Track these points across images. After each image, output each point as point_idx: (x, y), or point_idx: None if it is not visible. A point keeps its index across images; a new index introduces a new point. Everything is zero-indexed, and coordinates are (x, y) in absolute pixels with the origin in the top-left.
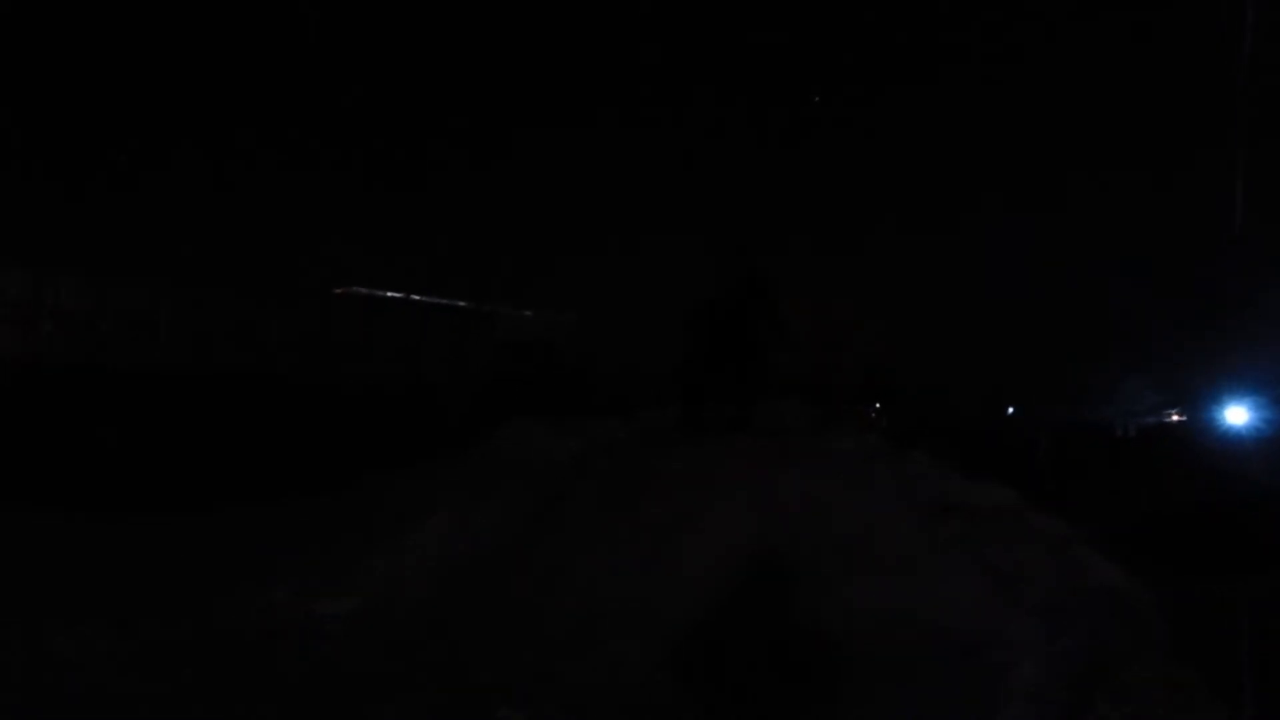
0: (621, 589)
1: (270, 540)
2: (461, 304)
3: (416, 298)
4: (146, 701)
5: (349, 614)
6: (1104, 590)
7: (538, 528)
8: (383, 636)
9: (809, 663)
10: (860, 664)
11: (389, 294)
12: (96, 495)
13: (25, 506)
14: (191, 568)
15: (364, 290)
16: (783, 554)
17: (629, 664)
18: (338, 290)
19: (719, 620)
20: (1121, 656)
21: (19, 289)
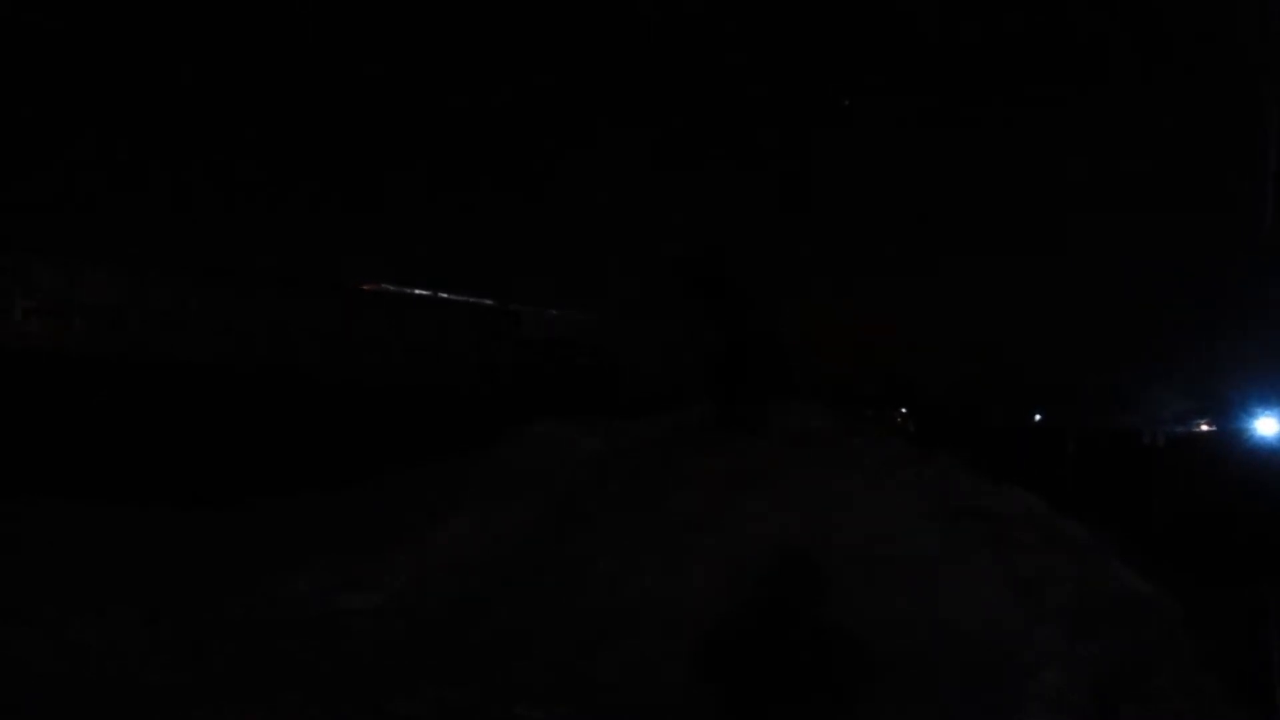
0: (643, 588)
1: (295, 534)
2: (488, 302)
3: (444, 295)
4: (172, 691)
5: (373, 609)
6: (1128, 597)
7: (561, 527)
8: (405, 632)
9: (830, 665)
10: (882, 667)
11: (416, 291)
12: (123, 487)
13: (54, 497)
14: (217, 560)
15: (392, 287)
16: (805, 556)
17: (649, 663)
18: (365, 286)
19: (740, 620)
20: (1146, 664)
21: (50, 282)
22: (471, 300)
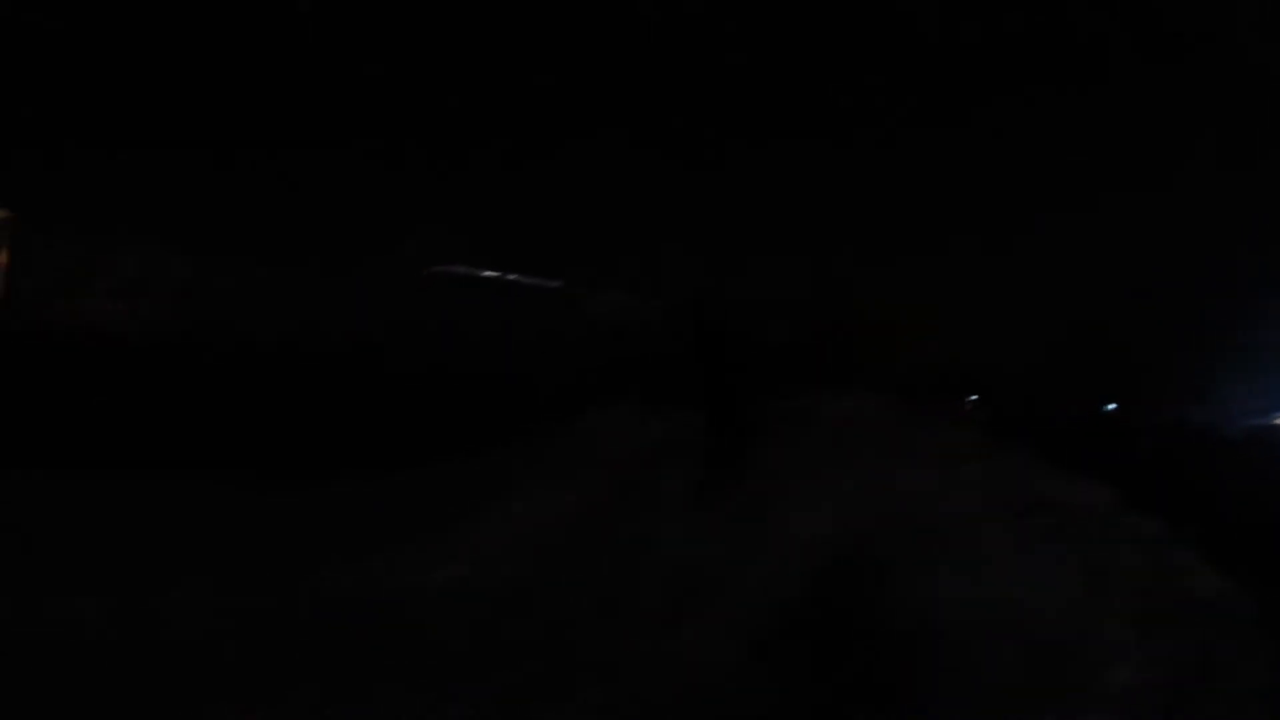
0: (706, 573)
1: (365, 514)
2: (554, 284)
3: (512, 277)
4: (240, 664)
5: (440, 588)
6: (1202, 595)
7: (625, 511)
8: (471, 611)
9: (889, 654)
10: (943, 659)
11: (483, 273)
12: (198, 466)
13: (131, 475)
14: (289, 537)
15: (460, 269)
16: (866, 545)
17: (710, 646)
18: (433, 269)
19: (800, 607)
20: (1221, 666)
21: (131, 266)
22: (539, 283)
